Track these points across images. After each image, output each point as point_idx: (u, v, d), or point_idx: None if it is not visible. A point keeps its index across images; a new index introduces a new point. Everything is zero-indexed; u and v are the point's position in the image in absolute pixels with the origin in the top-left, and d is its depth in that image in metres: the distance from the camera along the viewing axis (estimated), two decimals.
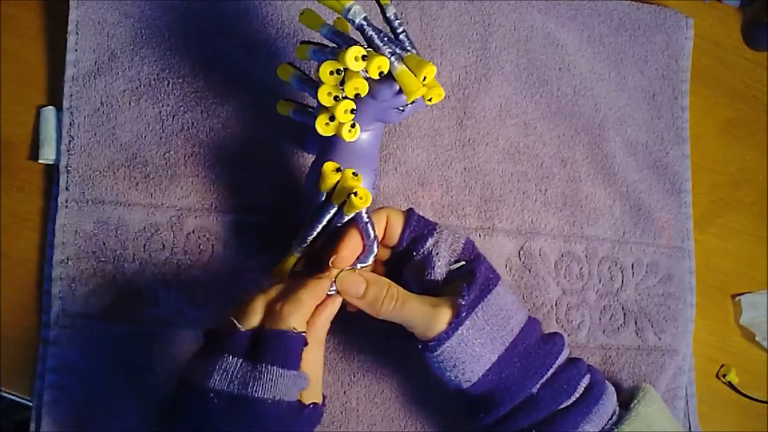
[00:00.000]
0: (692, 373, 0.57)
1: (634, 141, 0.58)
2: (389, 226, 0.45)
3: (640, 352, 0.54)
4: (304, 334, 0.38)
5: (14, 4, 0.52)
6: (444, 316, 0.42)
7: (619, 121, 0.58)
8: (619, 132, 0.58)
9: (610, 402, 0.46)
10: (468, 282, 0.43)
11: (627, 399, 0.48)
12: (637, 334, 0.55)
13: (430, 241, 0.44)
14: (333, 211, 0.42)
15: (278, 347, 0.37)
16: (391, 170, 0.53)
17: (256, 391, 0.36)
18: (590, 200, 0.56)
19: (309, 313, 0.39)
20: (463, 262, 0.45)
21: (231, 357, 0.37)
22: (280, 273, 0.45)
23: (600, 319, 0.54)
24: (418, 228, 0.45)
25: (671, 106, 0.60)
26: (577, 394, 0.44)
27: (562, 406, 0.44)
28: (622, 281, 0.55)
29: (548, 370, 0.44)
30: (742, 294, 0.60)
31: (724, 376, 0.58)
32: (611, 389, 0.47)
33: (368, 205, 0.41)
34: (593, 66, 0.58)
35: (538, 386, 0.44)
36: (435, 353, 0.42)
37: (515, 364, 0.43)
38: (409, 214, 0.45)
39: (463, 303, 0.42)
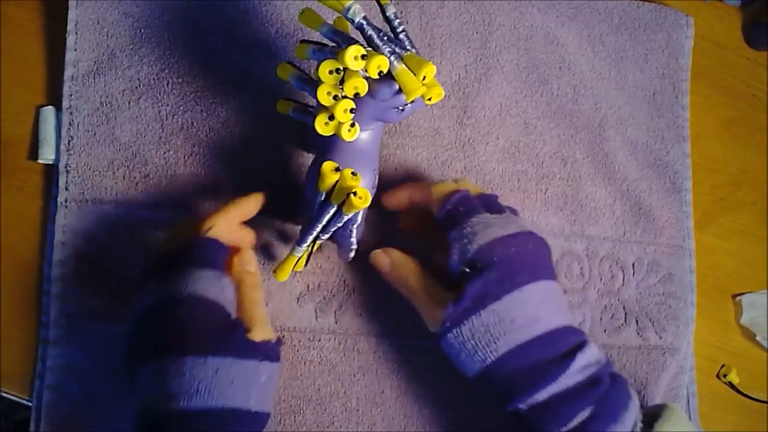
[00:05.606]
0: (693, 373, 0.57)
1: (635, 140, 0.58)
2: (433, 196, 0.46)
3: (641, 351, 0.54)
4: (216, 239, 0.42)
5: (14, 4, 0.52)
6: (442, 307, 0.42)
7: (619, 120, 0.58)
8: (619, 131, 0.58)
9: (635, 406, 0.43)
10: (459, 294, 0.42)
11: (650, 417, 0.44)
12: (638, 333, 0.55)
13: (453, 234, 0.44)
14: (332, 210, 0.42)
15: (187, 250, 0.42)
16: (391, 170, 0.53)
17: (168, 288, 0.40)
18: (591, 199, 0.56)
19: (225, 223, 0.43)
20: (468, 270, 0.42)
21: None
22: (280, 273, 0.45)
23: (601, 318, 0.54)
24: (453, 208, 0.44)
25: (672, 105, 0.60)
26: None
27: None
28: (623, 280, 0.55)
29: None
30: (743, 294, 0.60)
31: (724, 376, 0.58)
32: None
33: (368, 205, 0.41)
34: (593, 65, 0.58)
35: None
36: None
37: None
38: (453, 192, 0.45)
39: (450, 311, 0.42)
